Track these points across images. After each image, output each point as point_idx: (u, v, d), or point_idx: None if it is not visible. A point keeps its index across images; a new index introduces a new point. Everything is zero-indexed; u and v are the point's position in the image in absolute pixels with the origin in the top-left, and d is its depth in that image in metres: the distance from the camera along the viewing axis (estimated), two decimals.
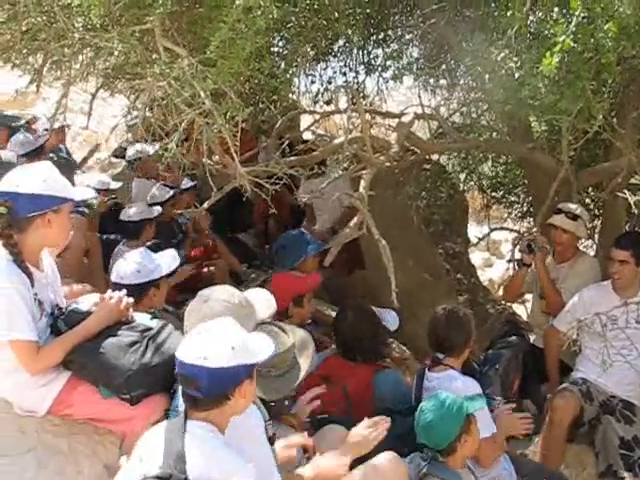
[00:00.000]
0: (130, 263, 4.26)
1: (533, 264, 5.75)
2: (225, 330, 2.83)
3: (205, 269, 7.02)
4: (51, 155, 7.45)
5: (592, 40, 3.89)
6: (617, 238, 5.27)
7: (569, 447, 5.08)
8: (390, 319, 5.16)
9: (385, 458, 3.70)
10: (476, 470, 4.17)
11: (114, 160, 9.78)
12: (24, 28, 4.78)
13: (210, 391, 2.75)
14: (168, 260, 4.45)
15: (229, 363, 2.72)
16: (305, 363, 3.70)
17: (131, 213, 6.41)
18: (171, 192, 7.09)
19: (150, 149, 7.46)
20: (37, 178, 3.42)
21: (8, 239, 3.39)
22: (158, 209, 6.59)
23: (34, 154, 6.24)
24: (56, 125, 7.85)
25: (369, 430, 3.55)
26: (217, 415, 2.81)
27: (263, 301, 3.83)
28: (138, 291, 4.21)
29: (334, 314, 6.70)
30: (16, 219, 3.40)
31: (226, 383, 2.77)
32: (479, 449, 4.15)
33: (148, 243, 5.90)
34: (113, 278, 4.23)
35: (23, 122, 8.16)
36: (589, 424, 5.05)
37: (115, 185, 7.61)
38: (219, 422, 2.82)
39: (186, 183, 7.67)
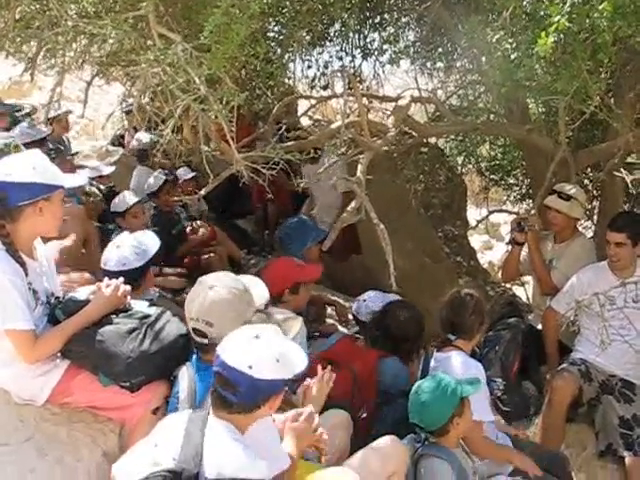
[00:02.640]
0: (127, 248, 4.22)
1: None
2: (272, 339, 2.85)
3: (204, 256, 7.01)
4: (55, 146, 7.42)
5: (587, 20, 3.88)
6: (611, 220, 5.25)
7: (569, 427, 5.09)
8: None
9: (385, 441, 3.73)
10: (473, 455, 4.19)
11: (111, 148, 9.75)
12: (17, 16, 4.76)
13: (245, 398, 2.78)
14: (151, 240, 4.44)
15: (272, 376, 2.75)
16: None
17: (117, 202, 6.43)
18: (161, 180, 7.06)
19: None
20: (27, 166, 3.40)
21: (0, 229, 3.38)
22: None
23: (37, 144, 6.22)
24: (53, 113, 7.83)
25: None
26: (241, 419, 2.83)
27: (256, 289, 3.83)
28: (141, 274, 4.22)
29: (334, 298, 6.75)
30: (7, 208, 3.38)
31: (263, 394, 2.81)
32: (471, 431, 4.17)
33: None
34: (111, 267, 4.16)
35: (25, 112, 8.13)
36: (589, 404, 5.06)
37: (107, 170, 7.59)
38: (242, 425, 2.84)
39: (185, 173, 7.67)
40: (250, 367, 2.71)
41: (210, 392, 2.91)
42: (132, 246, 4.23)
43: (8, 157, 3.56)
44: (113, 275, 3.91)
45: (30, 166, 3.41)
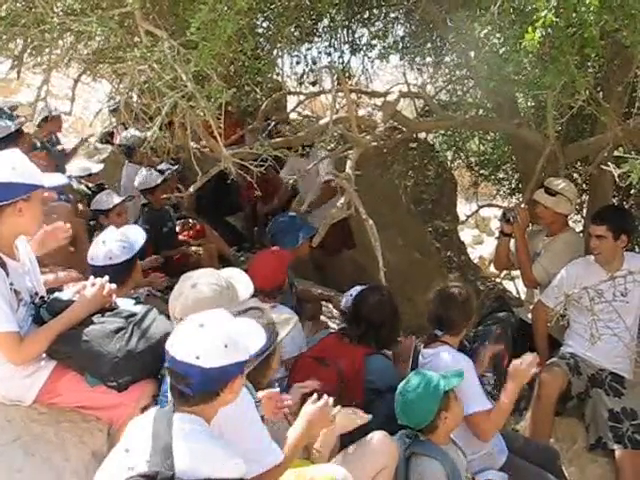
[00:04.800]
0: (113, 242, 4.20)
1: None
2: (217, 325, 2.77)
3: (193, 253, 7.00)
4: (43, 144, 7.39)
5: (574, 15, 3.87)
6: (594, 213, 5.31)
7: (559, 421, 5.12)
8: None
9: (376, 437, 3.73)
10: (467, 447, 4.19)
11: (100, 146, 9.72)
12: (3, 13, 4.72)
13: (200, 389, 2.72)
14: (137, 233, 4.42)
15: (221, 362, 2.68)
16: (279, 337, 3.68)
17: (101, 200, 6.41)
18: (161, 178, 7.03)
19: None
20: (6, 166, 3.36)
21: None
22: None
23: (9, 140, 6.16)
24: (48, 113, 7.80)
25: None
26: (204, 409, 2.78)
27: (242, 282, 3.82)
28: (129, 267, 4.22)
29: (329, 294, 6.76)
30: None
31: (217, 381, 2.74)
32: (475, 425, 4.19)
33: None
34: (98, 262, 4.15)
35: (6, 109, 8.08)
36: (578, 398, 5.08)
37: (96, 168, 7.57)
38: (206, 414, 2.80)
39: (167, 167, 7.61)
40: (197, 357, 2.64)
41: (169, 388, 2.86)
42: (118, 240, 4.22)
43: None
44: (100, 270, 3.91)
45: (9, 166, 3.37)
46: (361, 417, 3.70)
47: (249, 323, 3.06)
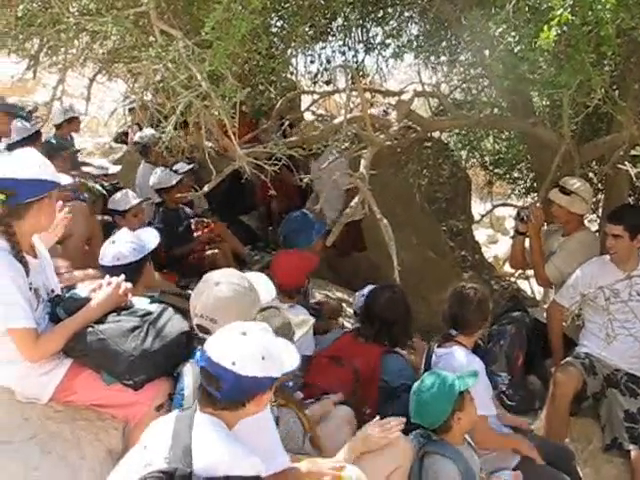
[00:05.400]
0: (123, 243, 4.21)
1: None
2: (259, 337, 2.82)
3: (208, 252, 7.00)
4: (59, 143, 7.41)
5: (591, 13, 3.85)
6: (611, 212, 5.29)
7: (575, 421, 5.09)
8: None
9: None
10: (481, 448, 4.18)
11: (115, 145, 9.76)
12: (19, 14, 4.76)
13: (229, 395, 2.76)
14: (150, 234, 4.44)
15: (256, 373, 2.72)
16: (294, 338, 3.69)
17: (117, 200, 6.42)
18: (178, 177, 7.04)
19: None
20: (33, 164, 3.42)
21: (8, 227, 3.37)
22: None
23: (29, 140, 6.20)
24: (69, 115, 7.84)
25: (381, 431, 3.54)
26: (227, 415, 2.82)
27: (263, 286, 3.83)
28: (138, 268, 4.21)
29: (339, 294, 6.76)
30: (16, 205, 3.38)
31: (247, 391, 2.78)
32: (477, 430, 4.17)
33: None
34: (107, 262, 4.16)
35: (26, 110, 8.11)
36: (594, 398, 5.05)
37: (114, 169, 7.59)
38: (228, 420, 2.83)
39: (182, 167, 7.62)
40: (233, 363, 2.69)
41: (197, 388, 2.90)
42: (128, 241, 4.23)
43: (8, 155, 3.55)
44: (109, 270, 3.93)
45: (36, 164, 3.43)
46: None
47: (287, 343, 3.09)
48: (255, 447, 2.89)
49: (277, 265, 5.04)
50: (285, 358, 2.92)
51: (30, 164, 3.41)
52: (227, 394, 2.75)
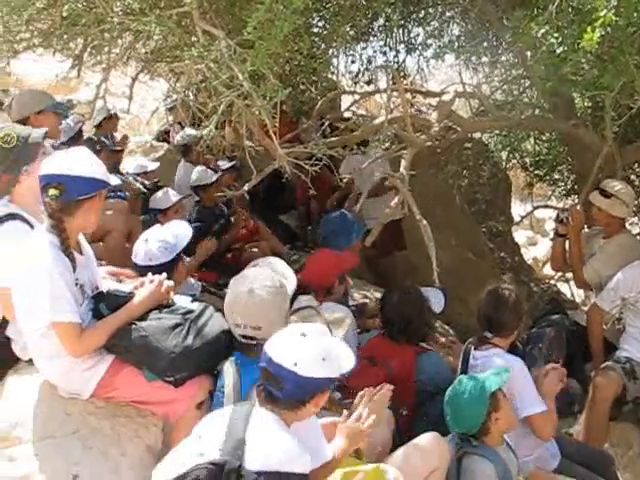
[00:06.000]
0: (154, 243, 4.21)
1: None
2: (319, 338, 2.88)
3: (247, 251, 7.03)
4: (102, 141, 7.50)
5: (635, 14, 3.83)
6: None
7: (614, 426, 5.04)
8: (435, 299, 5.08)
9: (426, 438, 3.72)
10: (520, 449, 4.15)
11: (156, 144, 9.82)
12: (64, 14, 4.83)
13: (291, 395, 2.81)
14: (182, 231, 4.42)
15: (317, 374, 2.78)
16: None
17: (159, 198, 6.48)
18: (215, 176, 7.08)
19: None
20: (86, 162, 3.48)
21: (59, 222, 3.42)
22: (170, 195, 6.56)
23: (73, 140, 6.29)
24: (105, 114, 7.92)
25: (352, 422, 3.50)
26: (286, 414, 2.86)
27: (286, 275, 3.83)
28: (169, 268, 4.17)
29: (378, 294, 6.75)
30: (67, 202, 3.42)
31: (308, 392, 2.83)
32: (536, 428, 4.19)
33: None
34: (139, 261, 4.19)
35: (70, 109, 8.20)
36: (634, 403, 5.00)
37: (152, 166, 7.65)
38: (286, 419, 2.86)
39: (224, 164, 7.67)
40: (295, 364, 2.74)
41: (257, 386, 2.94)
42: (159, 241, 4.22)
43: (62, 153, 3.60)
44: (141, 270, 3.97)
45: (89, 162, 3.50)
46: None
47: (343, 344, 3.10)
48: (307, 444, 2.92)
49: (307, 264, 5.05)
50: (342, 359, 2.95)
51: (84, 162, 3.47)
52: (289, 394, 2.80)
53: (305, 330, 2.88)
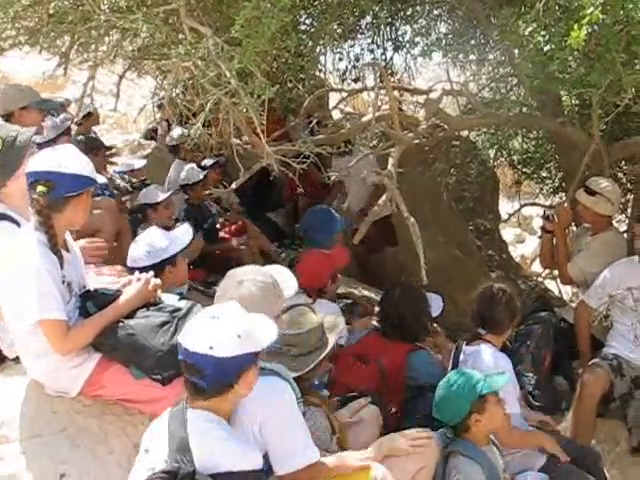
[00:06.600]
0: (140, 246, 4.19)
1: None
2: (230, 317, 2.81)
3: (235, 249, 7.03)
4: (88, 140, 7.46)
5: (622, 12, 3.84)
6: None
7: (602, 423, 5.06)
8: (433, 304, 5.08)
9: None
10: (505, 447, 4.16)
11: (143, 142, 9.80)
12: (51, 11, 4.81)
13: (214, 380, 2.75)
14: (180, 235, 4.42)
15: (235, 352, 2.72)
16: (330, 344, 3.70)
17: (148, 194, 6.48)
18: (202, 174, 7.08)
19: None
20: (74, 159, 3.48)
21: (47, 219, 3.40)
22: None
23: (59, 138, 6.26)
24: (83, 111, 7.87)
25: (410, 442, 3.55)
26: (218, 402, 2.81)
27: (286, 280, 3.83)
28: (153, 272, 4.19)
29: (366, 292, 6.76)
30: (55, 199, 3.41)
31: (231, 372, 2.77)
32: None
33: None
34: (129, 263, 4.18)
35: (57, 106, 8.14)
36: (621, 399, 5.01)
37: (139, 164, 7.64)
38: (221, 409, 2.83)
39: (208, 160, 7.64)
40: (211, 348, 2.68)
41: (183, 383, 2.90)
42: (145, 244, 4.18)
43: (52, 149, 3.59)
44: (132, 271, 3.96)
45: (77, 159, 3.50)
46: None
47: (261, 317, 3.07)
48: (277, 444, 2.91)
49: (299, 265, 5.05)
50: (261, 332, 2.91)
51: (72, 160, 3.47)
52: (212, 380, 2.74)
53: (215, 313, 2.82)
